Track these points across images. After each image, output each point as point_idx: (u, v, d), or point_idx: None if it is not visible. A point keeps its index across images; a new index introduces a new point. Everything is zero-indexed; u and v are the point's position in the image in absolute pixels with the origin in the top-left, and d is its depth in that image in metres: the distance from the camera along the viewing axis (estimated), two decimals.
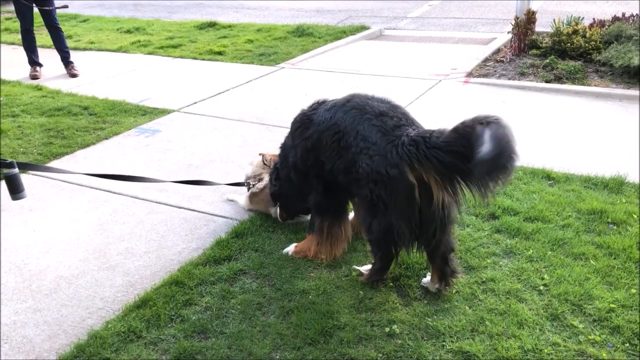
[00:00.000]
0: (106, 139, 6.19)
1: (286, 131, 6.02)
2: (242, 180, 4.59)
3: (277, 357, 3.02)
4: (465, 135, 2.76)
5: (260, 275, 3.71)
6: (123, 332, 3.21)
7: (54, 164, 5.57)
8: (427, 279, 3.50)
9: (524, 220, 4.13)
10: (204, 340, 3.16)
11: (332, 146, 3.34)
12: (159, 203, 4.74)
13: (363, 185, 3.17)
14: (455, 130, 2.84)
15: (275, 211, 4.30)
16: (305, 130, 3.56)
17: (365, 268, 3.62)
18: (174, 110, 7.04)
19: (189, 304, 3.45)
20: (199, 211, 4.58)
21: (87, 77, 8.75)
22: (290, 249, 3.93)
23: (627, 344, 2.98)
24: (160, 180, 4.55)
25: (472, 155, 2.67)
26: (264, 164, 4.50)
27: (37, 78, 8.71)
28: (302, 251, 3.86)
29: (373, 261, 3.54)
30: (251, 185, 4.47)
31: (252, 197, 4.46)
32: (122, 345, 3.13)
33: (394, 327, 3.17)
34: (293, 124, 3.76)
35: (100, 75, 8.87)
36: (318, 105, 3.62)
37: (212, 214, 4.54)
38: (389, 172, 3.02)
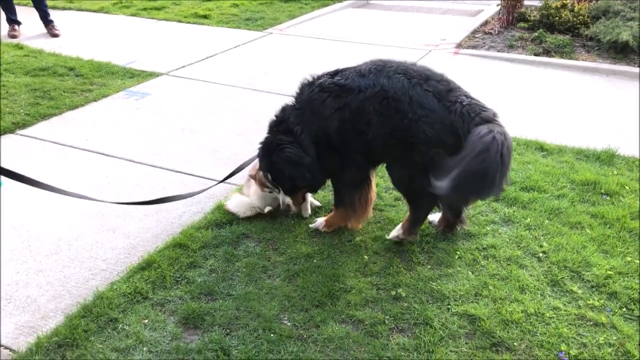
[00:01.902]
0: (94, 100, 6.05)
1: (278, 97, 5.98)
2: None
3: (285, 318, 3.06)
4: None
5: (263, 239, 3.72)
6: (129, 293, 3.20)
7: (42, 124, 5.45)
8: (434, 218, 3.78)
9: (520, 190, 4.21)
10: (212, 302, 3.18)
11: (379, 112, 3.23)
12: (155, 167, 4.69)
13: (421, 150, 3.17)
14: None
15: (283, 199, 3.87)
16: (338, 99, 3.34)
17: (396, 231, 3.63)
18: (162, 74, 6.91)
19: (194, 267, 3.46)
20: (196, 175, 4.55)
21: (70, 37, 8.50)
22: (320, 224, 3.81)
23: (624, 309, 3.10)
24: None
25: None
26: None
27: (16, 37, 8.42)
28: (334, 224, 3.78)
29: (412, 213, 3.56)
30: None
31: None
32: (129, 306, 3.13)
33: (400, 290, 3.23)
34: (318, 92, 3.42)
35: (83, 36, 8.63)
36: (335, 72, 3.46)
37: (209, 178, 4.50)
38: (449, 141, 3.10)
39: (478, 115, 3.05)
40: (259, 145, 3.70)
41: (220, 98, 6.20)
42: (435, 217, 3.80)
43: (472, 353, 2.82)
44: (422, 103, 3.14)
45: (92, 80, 6.56)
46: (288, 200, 3.80)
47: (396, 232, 3.63)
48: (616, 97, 6.24)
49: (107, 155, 4.88)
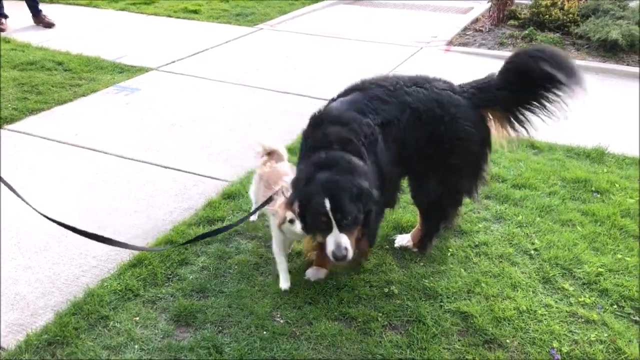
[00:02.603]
0: (84, 95, 5.99)
1: (269, 93, 5.97)
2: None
3: (278, 315, 3.05)
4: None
5: (255, 236, 3.69)
6: (120, 291, 3.17)
7: (30, 119, 5.38)
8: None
9: (511, 187, 4.22)
10: (204, 299, 3.16)
11: (416, 137, 3.06)
12: (145, 162, 4.64)
13: (460, 152, 3.12)
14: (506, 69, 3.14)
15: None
16: (391, 132, 3.03)
17: (406, 238, 3.57)
18: (152, 69, 6.85)
19: (185, 264, 3.43)
20: (187, 171, 4.52)
21: (58, 31, 8.40)
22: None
23: (615, 306, 3.12)
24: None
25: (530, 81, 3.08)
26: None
27: (3, 30, 8.30)
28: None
29: (428, 225, 3.43)
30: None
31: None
32: (120, 303, 3.10)
33: (392, 287, 3.23)
34: (381, 126, 3.00)
35: (71, 29, 8.53)
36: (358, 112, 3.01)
37: (200, 175, 4.48)
38: (484, 128, 3.17)
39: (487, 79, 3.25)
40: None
41: (210, 94, 6.16)
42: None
43: (465, 350, 2.83)
44: (450, 101, 3.08)
45: (81, 75, 6.49)
46: (346, 242, 2.74)
47: (405, 242, 3.58)
48: (606, 95, 6.27)
49: (97, 150, 4.83)
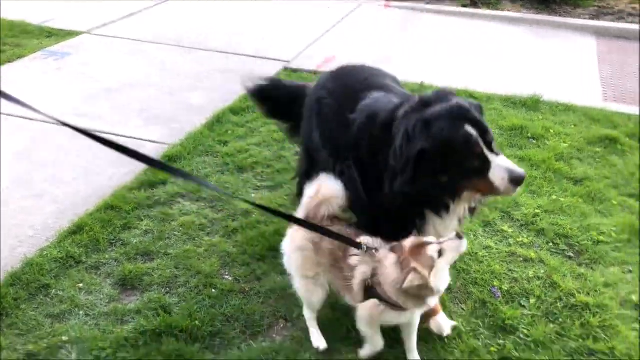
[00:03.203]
0: (9, 62, 5.67)
1: (205, 53, 5.79)
2: None
3: (226, 273, 3.04)
4: None
5: (200, 198, 3.65)
6: (61, 259, 3.09)
7: None
8: None
9: None
10: (149, 262, 3.11)
11: None
12: None
13: None
14: None
15: None
16: None
17: None
18: (83, 32, 6.54)
19: (128, 228, 3.36)
20: (125, 136, 4.37)
21: None
22: None
23: (551, 244, 3.27)
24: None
25: None
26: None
27: None
28: None
29: None
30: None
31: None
32: (62, 271, 3.02)
33: None
34: None
35: None
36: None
37: (139, 139, 4.35)
38: None
39: None
40: None
41: (145, 56, 5.95)
42: None
43: None
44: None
45: (5, 41, 6.13)
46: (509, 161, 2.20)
47: None
48: (540, 46, 6.43)
49: (28, 118, 4.60)
